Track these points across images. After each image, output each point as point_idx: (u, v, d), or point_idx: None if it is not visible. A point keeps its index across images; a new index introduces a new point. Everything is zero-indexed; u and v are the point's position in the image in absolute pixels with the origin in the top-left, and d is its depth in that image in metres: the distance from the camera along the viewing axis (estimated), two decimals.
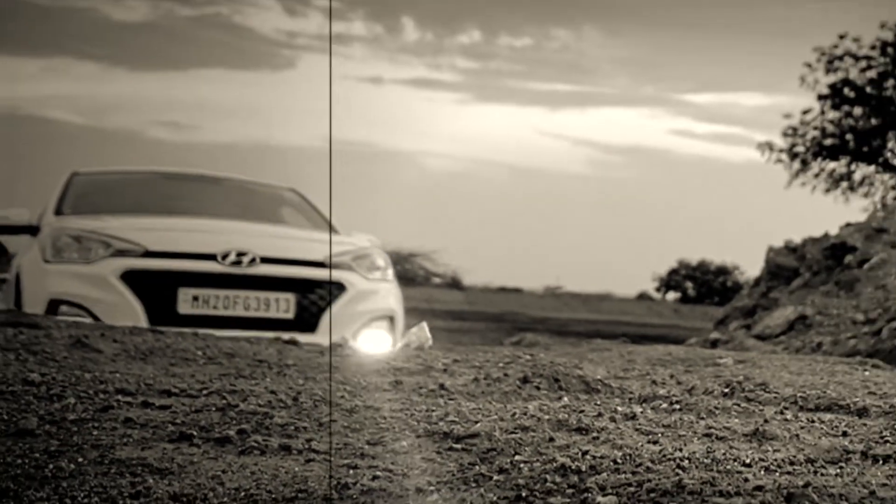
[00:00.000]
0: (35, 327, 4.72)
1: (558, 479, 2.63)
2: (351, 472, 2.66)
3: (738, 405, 3.77)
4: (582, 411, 3.44)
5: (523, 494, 2.51)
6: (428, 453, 2.87)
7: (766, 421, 3.48)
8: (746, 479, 2.69)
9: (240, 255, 9.51)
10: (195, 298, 9.27)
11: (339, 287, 9.90)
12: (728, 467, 2.82)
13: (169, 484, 2.52)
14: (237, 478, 2.58)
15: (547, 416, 3.33)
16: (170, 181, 12.61)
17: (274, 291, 9.54)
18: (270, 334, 8.40)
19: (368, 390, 3.71)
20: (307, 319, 9.62)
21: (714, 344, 13.75)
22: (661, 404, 3.69)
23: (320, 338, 9.31)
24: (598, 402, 3.65)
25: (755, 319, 14.87)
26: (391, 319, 10.19)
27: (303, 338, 8.66)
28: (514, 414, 3.36)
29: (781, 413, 3.67)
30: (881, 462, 2.96)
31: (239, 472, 2.63)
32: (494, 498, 2.49)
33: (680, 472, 2.74)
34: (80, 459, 2.68)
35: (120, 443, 2.84)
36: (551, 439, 3.04)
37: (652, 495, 2.52)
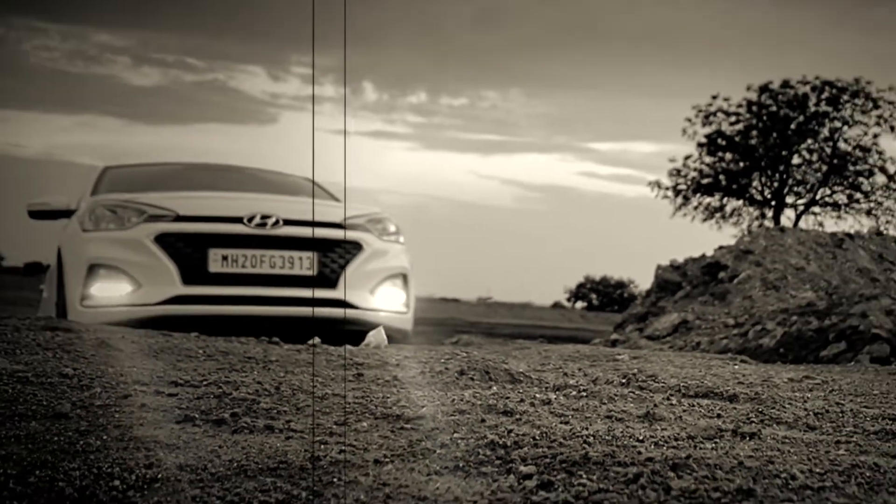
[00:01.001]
0: (69, 331, 4.69)
1: (489, 453, 2.64)
2: (322, 447, 2.66)
3: (633, 393, 3.79)
4: (507, 398, 3.45)
5: (460, 465, 2.53)
6: (383, 432, 2.88)
7: (655, 405, 3.50)
8: (640, 452, 2.70)
9: (264, 217, 8.91)
10: (224, 258, 8.71)
11: (357, 246, 9.28)
12: (625, 443, 2.84)
13: (176, 457, 2.52)
14: (230, 452, 2.59)
15: (479, 402, 3.34)
16: (196, 170, 11.92)
17: (297, 251, 8.97)
18: (295, 291, 8.83)
19: (336, 381, 3.71)
20: (328, 276, 9.06)
21: (614, 343, 13.80)
22: (570, 392, 3.70)
23: (340, 293, 9.03)
24: (521, 391, 3.65)
25: (647, 323, 14.96)
26: (404, 277, 9.62)
27: (324, 293, 8.98)
28: (453, 400, 3.37)
29: (668, 399, 3.69)
30: (748, 438, 2.99)
31: (232, 448, 2.63)
32: (437, 468, 2.51)
33: (586, 446, 2.75)
34: (105, 437, 2.68)
35: (136, 424, 2.84)
36: (483, 420, 3.05)
37: (563, 465, 2.53)
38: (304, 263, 8.98)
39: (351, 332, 8.89)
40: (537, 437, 2.84)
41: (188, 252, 8.67)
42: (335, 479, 2.37)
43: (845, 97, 47.26)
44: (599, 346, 6.61)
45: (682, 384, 4.04)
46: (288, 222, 8.99)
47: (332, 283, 9.03)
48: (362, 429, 2.91)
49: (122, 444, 2.63)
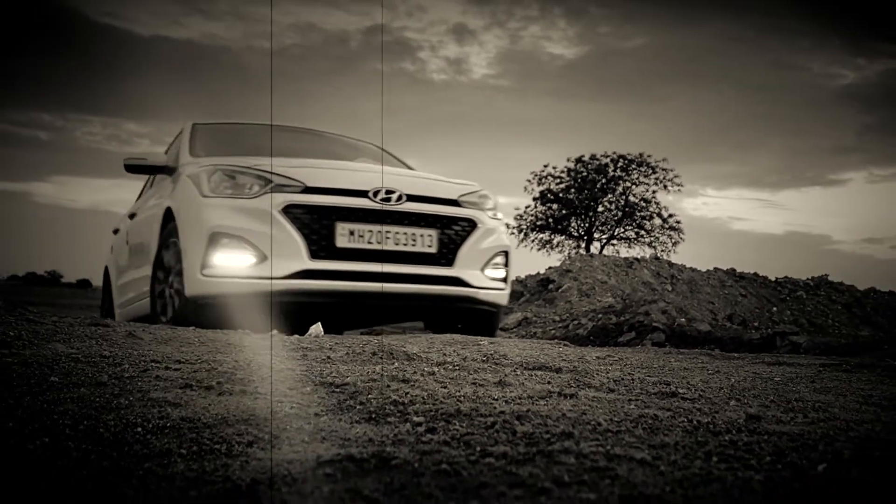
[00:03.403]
0: (106, 326, 4.63)
1: (392, 408, 2.66)
2: (279, 405, 2.67)
3: (491, 367, 3.81)
4: (405, 370, 3.46)
5: (372, 416, 2.54)
6: (321, 394, 2.88)
7: (506, 375, 3.52)
8: (495, 407, 2.72)
9: (388, 192, 6.90)
10: (351, 233, 6.67)
11: (471, 224, 7.27)
12: (485, 401, 2.85)
13: (179, 412, 2.51)
14: (217, 408, 2.58)
15: (385, 374, 3.35)
16: (282, 132, 9.30)
17: (419, 227, 6.96)
18: (417, 268, 6.91)
19: (287, 360, 3.70)
20: (446, 255, 7.09)
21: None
22: (448, 366, 3.71)
23: (456, 271, 7.11)
24: (414, 366, 3.66)
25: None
26: (506, 255, 7.58)
27: (442, 271, 7.04)
28: (368, 372, 3.38)
29: (514, 371, 3.71)
30: (568, 398, 3.01)
31: (217, 405, 2.63)
32: (357, 418, 2.52)
33: (458, 403, 2.77)
34: (131, 399, 2.66)
35: (153, 389, 2.82)
36: (388, 386, 3.06)
37: (443, 416, 2.55)
38: (426, 241, 7.00)
39: (464, 310, 7.46)
40: (425, 398, 2.86)
41: (316, 225, 6.62)
42: (288, 427, 2.38)
43: (633, 166, 48.18)
44: (468, 335, 6.63)
45: (524, 361, 4.06)
46: (411, 198, 7.05)
47: (449, 261, 7.13)
48: (306, 392, 2.91)
49: (143, 403, 2.62)
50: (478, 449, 2.13)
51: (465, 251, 7.14)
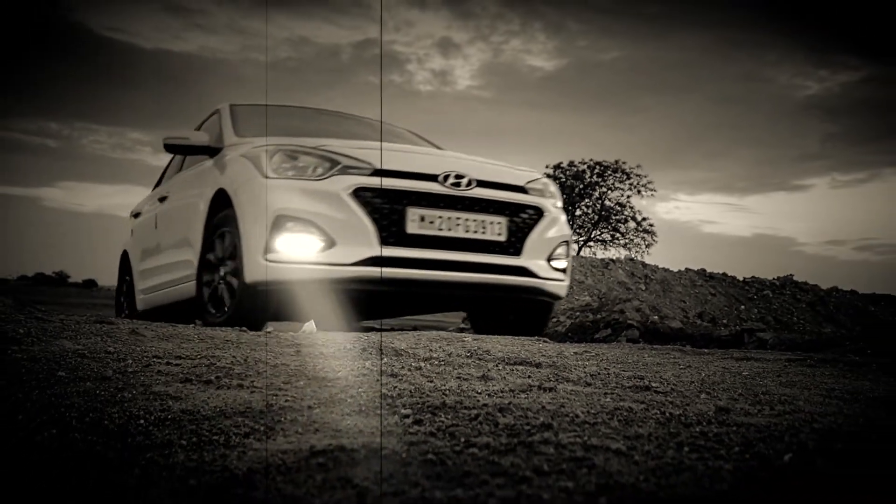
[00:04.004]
0: (110, 324, 4.62)
1: (381, 401, 2.66)
2: (274, 398, 2.66)
3: (474, 362, 3.81)
4: (393, 365, 3.46)
5: (363, 409, 2.53)
6: (313, 388, 2.88)
7: (489, 370, 3.52)
8: (478, 400, 2.72)
9: (458, 177, 6.24)
10: (422, 218, 6.00)
11: (538, 212, 6.61)
12: (469, 394, 2.85)
13: (180, 405, 2.51)
14: (215, 401, 2.58)
15: (375, 368, 3.35)
16: (320, 114, 8.47)
17: (488, 214, 6.30)
18: (486, 257, 6.27)
19: (282, 355, 3.70)
20: (514, 243, 6.43)
21: (462, 330, 13.77)
22: (434, 361, 3.71)
23: (523, 261, 6.48)
24: (402, 361, 3.66)
25: None
26: (568, 244, 6.91)
27: (510, 260, 6.41)
28: (358, 367, 3.37)
29: (497, 366, 3.71)
30: (548, 391, 3.01)
31: (216, 398, 2.62)
32: (348, 410, 2.51)
33: (444, 396, 2.77)
34: (134, 392, 2.65)
35: (155, 383, 2.82)
36: (377, 380, 3.06)
37: (429, 408, 2.55)
38: (495, 228, 6.34)
39: (523, 301, 6.89)
40: (412, 391, 2.86)
41: (386, 210, 5.93)
42: (282, 419, 2.37)
43: (609, 172, 48.13)
44: (453, 332, 6.62)
45: (506, 356, 4.06)
46: (480, 183, 6.37)
47: (517, 251, 6.46)
48: (300, 386, 2.91)
49: (145, 396, 2.61)
50: (462, 440, 2.13)
51: (532, 240, 6.53)
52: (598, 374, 3.61)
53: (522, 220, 6.48)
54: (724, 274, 22.09)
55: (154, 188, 9.68)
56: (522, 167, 7.06)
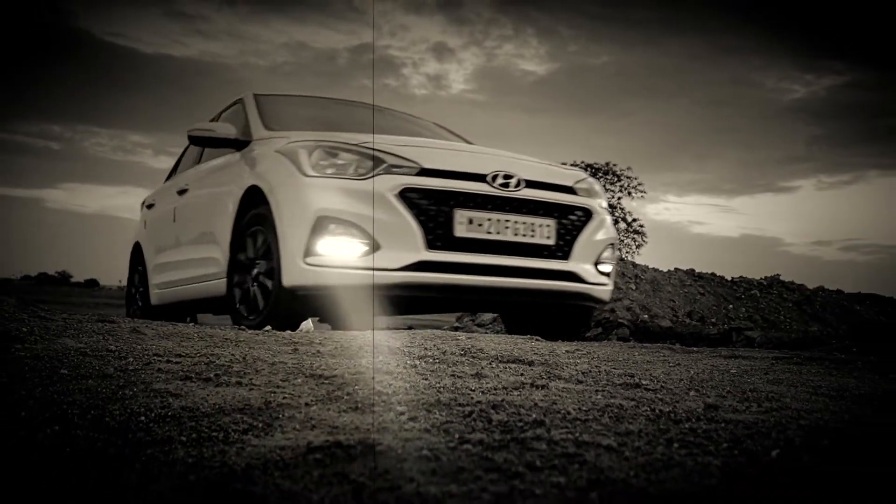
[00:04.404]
0: (112, 322, 4.61)
1: (376, 398, 2.65)
2: (272, 395, 2.66)
3: (468, 360, 3.80)
4: (389, 363, 3.46)
5: (358, 406, 2.54)
6: (311, 385, 2.88)
7: (482, 368, 3.51)
8: (472, 398, 2.72)
9: (507, 177, 5.83)
10: (470, 221, 5.58)
11: (587, 213, 6.21)
12: (463, 392, 2.85)
13: (180, 402, 2.50)
14: (214, 398, 2.58)
15: (370, 366, 3.34)
16: (349, 106, 7.94)
17: (538, 216, 5.88)
18: (533, 261, 5.88)
19: (280, 353, 3.70)
20: (562, 247, 6.02)
21: (456, 329, 13.79)
22: (428, 359, 3.71)
23: (571, 265, 6.11)
24: (397, 359, 3.66)
25: (476, 315, 14.86)
26: (613, 246, 6.54)
27: (558, 265, 6.03)
28: (354, 365, 3.37)
29: (490, 364, 3.71)
30: (540, 388, 3.01)
31: (215, 396, 2.62)
32: (345, 407, 2.51)
33: (438, 394, 2.77)
34: (135, 390, 2.65)
35: (155, 381, 2.81)
36: (373, 377, 3.06)
37: (424, 406, 2.54)
38: (544, 231, 5.92)
39: (568, 307, 6.49)
40: (407, 389, 2.85)
41: (433, 212, 5.52)
42: (280, 416, 2.37)
43: (600, 174, 48.09)
44: (447, 330, 6.62)
45: (499, 354, 4.06)
46: (529, 183, 5.96)
47: (565, 254, 6.06)
48: (297, 383, 2.91)
49: (146, 393, 2.61)
50: (456, 436, 2.13)
51: (580, 243, 6.13)
52: (590, 371, 3.61)
53: (571, 222, 6.11)
54: (713, 274, 22.10)
55: (167, 178, 9.29)
56: (567, 165, 6.72)
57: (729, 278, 22.26)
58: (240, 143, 6.68)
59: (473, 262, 5.63)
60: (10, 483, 1.81)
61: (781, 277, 22.60)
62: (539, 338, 5.71)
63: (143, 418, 2.30)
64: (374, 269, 5.45)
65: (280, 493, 1.70)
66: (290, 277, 5.49)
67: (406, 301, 5.81)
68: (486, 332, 10.80)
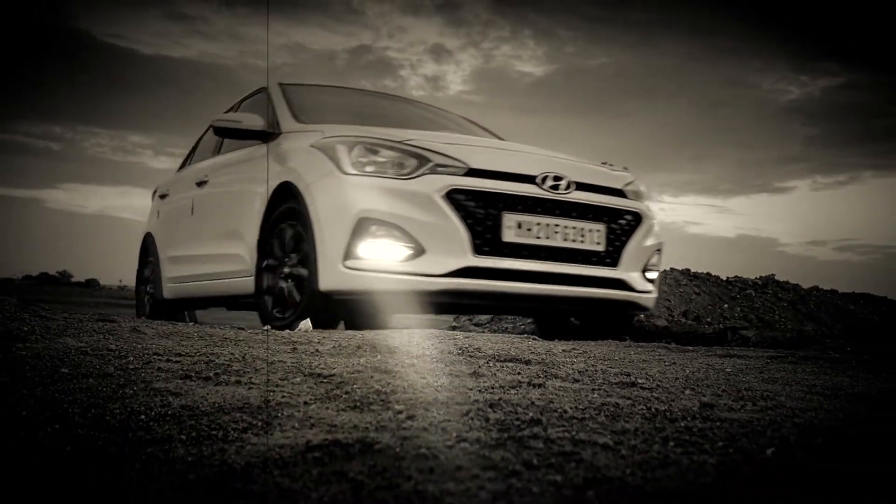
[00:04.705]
0: (112, 322, 4.60)
1: (375, 396, 2.65)
2: (271, 394, 2.66)
3: (465, 359, 3.80)
4: (387, 362, 3.45)
5: (357, 404, 2.53)
6: (310, 384, 2.87)
7: (479, 367, 3.51)
8: (470, 396, 2.72)
9: (556, 179, 5.47)
10: (519, 225, 5.23)
11: (637, 218, 5.85)
12: (460, 391, 2.84)
13: (179, 401, 2.50)
14: (214, 397, 2.58)
15: (369, 365, 3.34)
16: (375, 97, 7.60)
17: (587, 221, 5.53)
18: (582, 268, 5.54)
19: (279, 353, 3.69)
20: (611, 253, 5.68)
21: (454, 328, 13.78)
22: (426, 358, 3.70)
23: (620, 272, 5.77)
24: (395, 358, 3.66)
25: (474, 315, 14.84)
26: (660, 252, 6.15)
27: (606, 272, 5.71)
28: (353, 364, 3.37)
29: (487, 363, 3.70)
30: (537, 387, 3.01)
31: (215, 395, 2.62)
32: (343, 406, 2.51)
33: (436, 392, 2.76)
34: (135, 388, 2.65)
35: (155, 380, 2.81)
36: (371, 376, 3.05)
37: (422, 404, 2.54)
38: (594, 236, 5.56)
39: (613, 316, 6.27)
40: (405, 388, 2.85)
41: (481, 215, 5.16)
42: (279, 414, 2.37)
43: None
44: (445, 330, 6.62)
45: (496, 353, 4.06)
46: (579, 186, 5.60)
47: (615, 261, 5.71)
48: (296, 382, 2.90)
49: (146, 392, 2.61)
50: (454, 435, 2.13)
51: (630, 249, 5.81)
52: (586, 370, 3.61)
53: (620, 226, 5.77)
54: (708, 273, 22.11)
55: (181, 168, 8.85)
56: (614, 167, 6.37)
57: (724, 278, 22.27)
58: (266, 136, 6.29)
59: (522, 269, 5.34)
60: (10, 482, 1.80)
61: (776, 277, 22.59)
62: (536, 337, 5.71)
63: (143, 417, 2.29)
64: (418, 275, 5.19)
65: (279, 491, 1.70)
66: (327, 281, 5.21)
67: (447, 305, 5.58)
68: (483, 332, 10.80)
